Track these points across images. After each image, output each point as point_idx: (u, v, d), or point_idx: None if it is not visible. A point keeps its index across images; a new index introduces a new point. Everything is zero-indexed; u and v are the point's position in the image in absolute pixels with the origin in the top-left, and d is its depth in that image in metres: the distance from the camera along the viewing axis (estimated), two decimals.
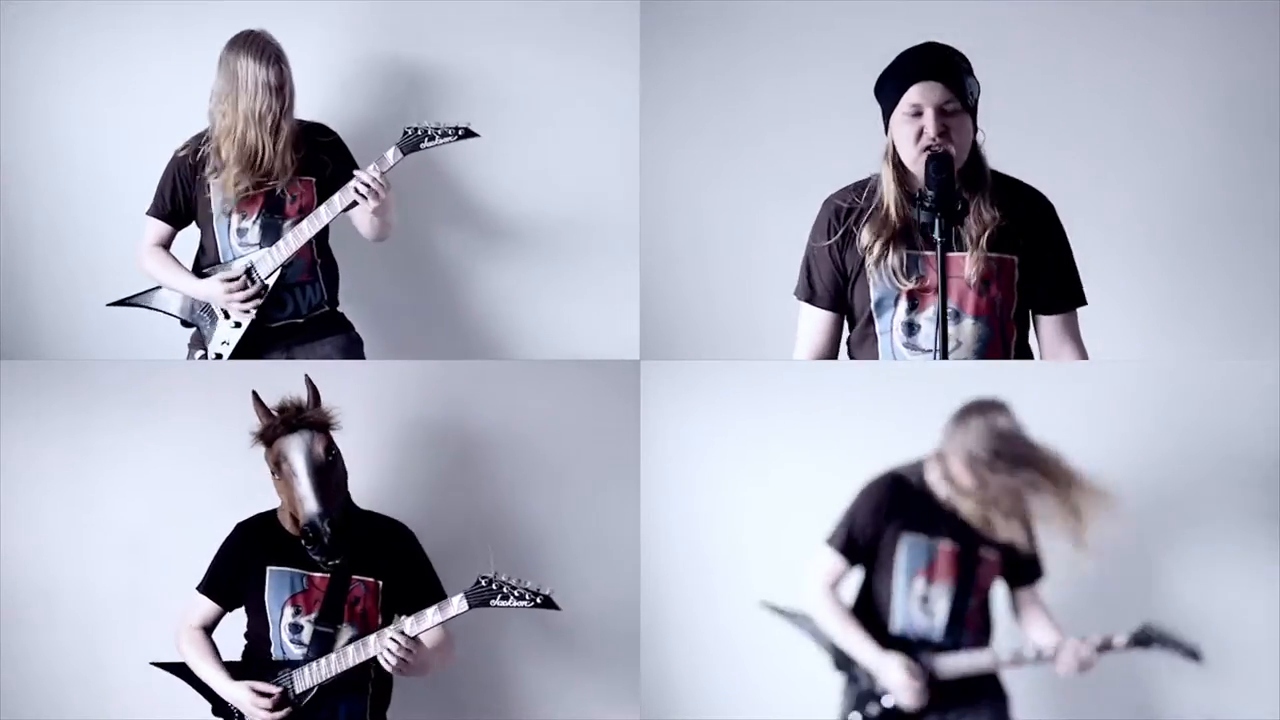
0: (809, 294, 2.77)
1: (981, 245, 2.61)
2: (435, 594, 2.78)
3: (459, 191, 3.48)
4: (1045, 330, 2.75)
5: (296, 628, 2.74)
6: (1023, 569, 2.95)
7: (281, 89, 2.97)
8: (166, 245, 3.17)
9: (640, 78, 3.39)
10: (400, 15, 3.43)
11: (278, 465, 2.71)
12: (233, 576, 2.82)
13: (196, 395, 3.22)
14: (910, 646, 2.87)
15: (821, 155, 3.06)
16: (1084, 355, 2.76)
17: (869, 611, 2.93)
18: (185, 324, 3.17)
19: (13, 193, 3.48)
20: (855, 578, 2.98)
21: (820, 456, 3.24)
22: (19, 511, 3.25)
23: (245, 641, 2.82)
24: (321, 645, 2.72)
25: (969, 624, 2.89)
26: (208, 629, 2.84)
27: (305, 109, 3.07)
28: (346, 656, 2.69)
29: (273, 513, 2.82)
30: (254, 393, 2.74)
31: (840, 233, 2.70)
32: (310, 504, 2.65)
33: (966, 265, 2.62)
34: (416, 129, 2.96)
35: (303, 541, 2.66)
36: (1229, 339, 3.38)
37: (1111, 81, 3.35)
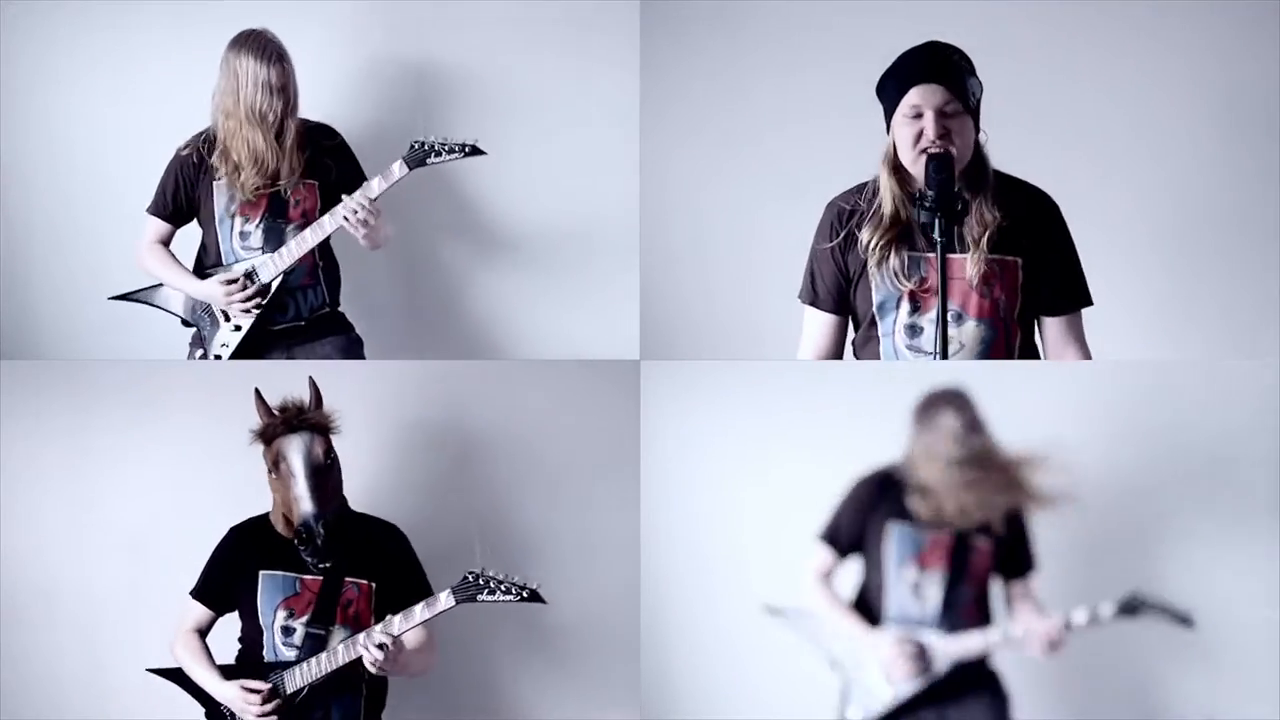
0: (812, 297, 2.77)
1: (983, 246, 2.60)
2: (425, 595, 2.76)
3: (459, 192, 3.48)
4: (1049, 331, 2.74)
5: (289, 630, 2.74)
6: (1013, 561, 2.96)
7: (284, 88, 2.97)
8: (166, 243, 3.17)
9: (640, 78, 3.39)
10: (401, 15, 3.43)
11: (276, 464, 2.71)
12: (226, 582, 2.81)
13: (196, 395, 3.22)
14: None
15: (821, 155, 3.06)
16: (1088, 357, 2.75)
17: (866, 605, 2.96)
18: (185, 323, 3.18)
19: (13, 193, 3.48)
20: (852, 573, 3.00)
21: (820, 457, 3.23)
22: (19, 511, 3.24)
23: (239, 645, 2.82)
24: (314, 647, 2.72)
25: (965, 614, 2.90)
26: (202, 632, 2.84)
27: (306, 109, 3.06)
28: (337, 656, 2.69)
29: (265, 516, 2.82)
30: (256, 390, 2.74)
31: (842, 235, 2.69)
32: (306, 504, 2.65)
33: (968, 266, 2.61)
34: (424, 143, 2.94)
35: (295, 542, 2.66)
36: (1229, 339, 3.38)
37: (1113, 81, 3.34)
